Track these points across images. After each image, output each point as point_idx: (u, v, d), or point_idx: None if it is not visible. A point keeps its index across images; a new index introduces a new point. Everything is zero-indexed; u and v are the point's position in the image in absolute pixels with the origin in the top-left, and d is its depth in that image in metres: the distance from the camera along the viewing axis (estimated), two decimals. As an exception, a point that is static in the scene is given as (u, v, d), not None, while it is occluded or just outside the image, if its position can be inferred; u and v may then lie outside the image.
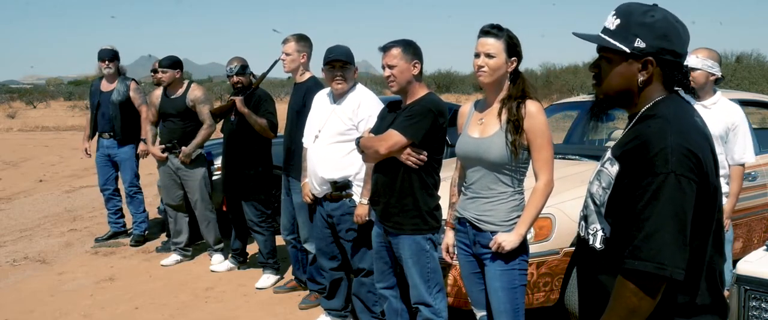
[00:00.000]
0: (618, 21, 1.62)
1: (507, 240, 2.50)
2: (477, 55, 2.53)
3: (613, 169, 1.61)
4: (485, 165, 2.55)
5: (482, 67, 2.52)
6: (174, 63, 4.96)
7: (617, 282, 1.54)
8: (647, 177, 1.49)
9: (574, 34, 1.74)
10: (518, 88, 2.55)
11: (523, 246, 2.58)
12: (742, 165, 3.44)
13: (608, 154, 1.69)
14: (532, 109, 2.51)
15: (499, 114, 2.54)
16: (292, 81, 4.33)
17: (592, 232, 1.69)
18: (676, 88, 1.63)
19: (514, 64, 2.56)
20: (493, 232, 2.55)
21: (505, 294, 2.56)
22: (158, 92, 5.11)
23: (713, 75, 3.37)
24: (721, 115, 3.33)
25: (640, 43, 1.58)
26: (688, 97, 1.68)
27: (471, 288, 2.74)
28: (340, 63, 3.43)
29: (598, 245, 1.66)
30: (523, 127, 2.49)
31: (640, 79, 1.61)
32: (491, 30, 2.52)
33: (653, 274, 1.47)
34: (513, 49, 2.53)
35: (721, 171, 3.39)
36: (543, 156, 2.51)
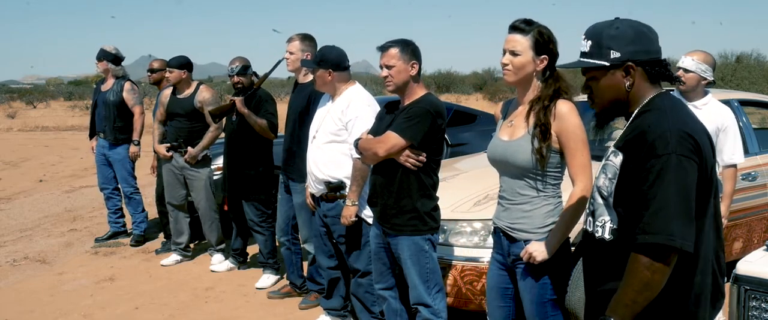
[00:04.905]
0: (590, 42, 1.78)
1: (539, 250, 2.31)
2: (503, 52, 2.38)
3: (618, 160, 1.71)
4: (513, 169, 2.39)
5: (506, 65, 2.37)
6: (181, 64, 4.96)
7: (630, 259, 1.62)
8: (650, 160, 1.60)
9: (559, 67, 1.94)
10: (549, 88, 2.35)
11: (558, 257, 2.35)
12: (734, 166, 3.49)
13: (611, 148, 1.78)
14: (563, 109, 2.31)
15: (528, 116, 2.37)
16: (293, 81, 4.32)
17: (600, 224, 1.77)
18: (663, 82, 1.77)
19: (544, 63, 2.36)
20: (527, 241, 2.37)
21: (534, 308, 2.42)
22: (168, 91, 5.12)
23: (705, 79, 3.44)
24: (711, 116, 3.38)
25: (615, 54, 1.73)
26: (677, 95, 1.81)
27: (492, 302, 2.59)
28: (314, 67, 3.47)
29: (607, 236, 1.74)
30: (553, 130, 2.31)
31: (627, 83, 1.75)
32: (519, 25, 2.34)
33: (664, 246, 1.56)
34: (543, 46, 2.34)
35: None
36: (578, 160, 2.30)
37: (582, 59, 1.80)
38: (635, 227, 1.61)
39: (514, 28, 2.35)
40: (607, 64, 1.74)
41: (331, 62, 3.43)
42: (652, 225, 1.57)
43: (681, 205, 1.56)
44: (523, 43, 2.33)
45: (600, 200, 1.77)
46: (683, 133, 1.60)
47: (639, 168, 1.62)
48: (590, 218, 1.83)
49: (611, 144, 1.82)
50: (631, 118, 1.76)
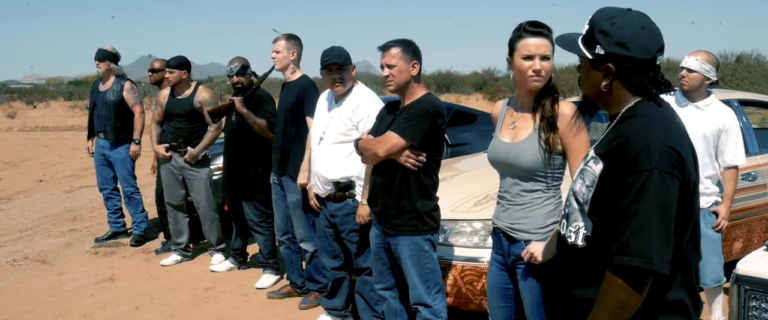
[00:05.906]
0: (587, 27, 1.67)
1: (540, 249, 2.29)
2: (529, 58, 2.30)
3: (597, 168, 1.64)
4: (517, 171, 2.38)
5: (539, 71, 2.30)
6: (181, 63, 4.97)
7: (605, 278, 1.56)
8: (632, 175, 1.52)
9: (556, 40, 1.79)
10: (549, 84, 2.37)
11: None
12: (735, 167, 3.47)
13: (591, 153, 1.71)
14: (566, 110, 2.32)
15: (534, 114, 2.36)
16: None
17: (573, 230, 1.71)
18: (654, 91, 1.64)
19: None
20: (528, 241, 2.36)
21: (535, 308, 2.41)
22: (166, 92, 5.12)
23: (709, 79, 3.43)
24: (713, 116, 3.39)
25: (599, 50, 1.63)
26: (673, 96, 1.70)
27: (492, 302, 2.59)
28: (336, 66, 3.42)
29: (579, 242, 1.69)
30: (557, 126, 2.31)
31: (603, 83, 1.65)
32: (542, 29, 2.30)
33: (641, 269, 1.50)
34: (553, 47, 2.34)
35: (711, 173, 3.42)
36: (581, 161, 2.38)
37: (578, 41, 1.70)
38: (610, 241, 1.54)
39: (538, 33, 2.30)
40: (589, 56, 1.65)
41: (349, 61, 3.47)
42: (630, 246, 1.49)
43: (661, 225, 1.49)
44: (549, 46, 2.32)
45: (575, 205, 1.71)
46: (668, 146, 1.52)
47: (619, 182, 1.54)
48: (564, 221, 1.77)
49: (591, 151, 1.76)
50: (614, 121, 1.67)
